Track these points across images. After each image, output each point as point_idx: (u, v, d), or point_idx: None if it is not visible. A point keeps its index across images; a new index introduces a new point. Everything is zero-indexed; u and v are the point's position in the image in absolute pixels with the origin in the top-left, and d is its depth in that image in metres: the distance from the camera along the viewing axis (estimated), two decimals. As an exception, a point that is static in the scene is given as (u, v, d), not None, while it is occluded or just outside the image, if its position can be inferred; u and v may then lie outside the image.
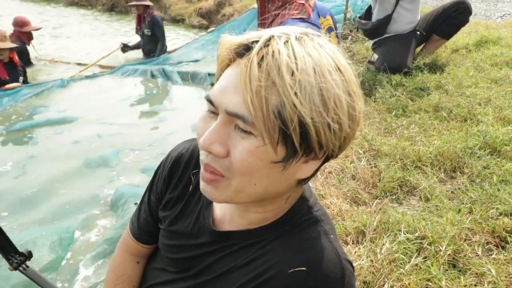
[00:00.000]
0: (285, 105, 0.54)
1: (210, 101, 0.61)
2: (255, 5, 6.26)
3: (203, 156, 0.63)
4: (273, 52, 0.55)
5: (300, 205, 0.71)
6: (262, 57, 0.55)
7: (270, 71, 0.54)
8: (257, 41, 0.57)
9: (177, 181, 0.83)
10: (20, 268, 1.08)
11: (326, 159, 0.63)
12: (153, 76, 5.39)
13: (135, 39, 6.80)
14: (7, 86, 4.46)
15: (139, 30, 6.18)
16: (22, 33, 5.44)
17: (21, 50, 5.27)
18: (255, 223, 0.71)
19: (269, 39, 0.57)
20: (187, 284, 0.78)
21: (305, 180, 0.67)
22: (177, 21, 10.90)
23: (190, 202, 0.81)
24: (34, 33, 5.78)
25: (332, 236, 0.68)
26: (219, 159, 0.60)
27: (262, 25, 2.17)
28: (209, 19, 10.27)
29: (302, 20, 1.90)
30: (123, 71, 5.48)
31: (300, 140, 0.56)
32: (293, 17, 1.91)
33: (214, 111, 0.61)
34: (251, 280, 0.67)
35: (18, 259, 1.08)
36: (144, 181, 2.93)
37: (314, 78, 0.55)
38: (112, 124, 4.05)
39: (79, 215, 2.59)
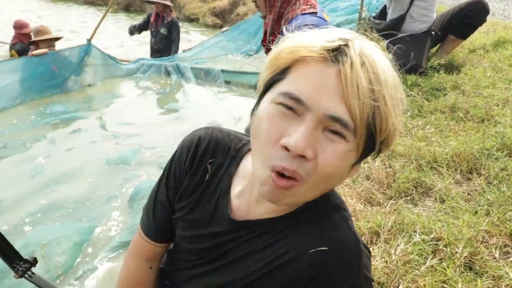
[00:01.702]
0: (380, 113, 0.58)
1: (298, 99, 0.58)
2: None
3: (280, 161, 0.59)
4: (368, 59, 0.58)
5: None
6: (363, 63, 0.57)
7: (371, 78, 0.57)
8: (345, 45, 0.59)
9: (194, 170, 0.82)
10: (26, 275, 1.05)
11: None
12: (167, 73, 5.42)
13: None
14: (34, 52, 4.51)
15: (153, 26, 6.18)
16: (22, 35, 5.56)
17: (22, 50, 5.37)
18: (272, 213, 0.72)
19: (354, 43, 0.60)
20: (202, 270, 0.80)
21: None
22: (191, 20, 10.97)
23: (207, 191, 0.81)
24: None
25: (350, 222, 0.71)
26: (306, 163, 0.59)
27: (266, 24, 2.15)
28: (223, 19, 10.30)
29: (313, 14, 1.90)
30: (139, 65, 5.52)
31: (381, 144, 0.62)
32: (305, 12, 1.90)
33: (297, 109, 0.59)
34: (270, 263, 0.69)
35: (23, 266, 1.04)
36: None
37: (397, 88, 0.60)
38: (129, 123, 4.10)
39: (98, 212, 2.63)
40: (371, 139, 0.60)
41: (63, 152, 3.45)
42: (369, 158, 2.18)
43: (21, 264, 1.03)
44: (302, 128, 0.57)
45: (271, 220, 0.72)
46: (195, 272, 0.81)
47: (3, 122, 4.01)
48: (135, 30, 6.36)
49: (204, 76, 5.28)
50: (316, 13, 1.93)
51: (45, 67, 4.57)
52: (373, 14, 4.23)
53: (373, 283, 0.69)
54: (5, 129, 3.86)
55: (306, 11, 1.91)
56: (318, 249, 0.65)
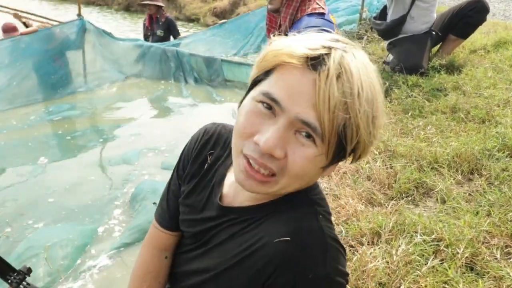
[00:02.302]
0: (351, 124, 0.60)
1: (274, 100, 0.63)
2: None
3: (252, 152, 0.65)
4: (345, 71, 0.60)
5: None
6: (339, 75, 0.59)
7: (345, 91, 0.59)
8: (327, 54, 0.61)
9: (195, 158, 0.89)
10: (21, 286, 1.00)
11: None
12: (166, 60, 5.33)
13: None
14: (24, 31, 4.40)
15: (149, 30, 6.09)
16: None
17: None
18: (255, 201, 0.76)
19: (335, 52, 0.61)
20: (193, 254, 0.84)
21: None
22: (192, 20, 10.97)
23: (204, 179, 0.87)
24: None
25: (321, 215, 0.72)
26: (276, 160, 0.63)
27: (271, 21, 2.15)
28: (224, 19, 10.25)
29: (320, 15, 1.90)
30: (137, 45, 5.44)
31: (351, 152, 0.65)
32: (314, 12, 1.90)
33: (274, 109, 0.63)
34: (244, 250, 0.71)
35: (17, 278, 1.00)
36: (165, 177, 2.94)
37: (371, 102, 0.62)
38: (132, 124, 4.11)
39: (100, 212, 2.63)
40: (341, 147, 0.63)
41: (65, 153, 3.45)
42: (370, 159, 2.19)
43: (14, 276, 0.99)
44: (274, 128, 0.62)
45: (251, 207, 0.76)
46: (188, 256, 0.86)
47: (3, 121, 4.01)
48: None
49: (205, 64, 5.21)
50: (324, 14, 1.93)
51: (40, 47, 4.43)
52: (374, 15, 4.23)
53: (347, 277, 0.68)
54: (3, 129, 3.86)
55: (316, 11, 1.91)
56: (281, 239, 0.66)
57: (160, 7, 6.04)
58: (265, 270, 0.66)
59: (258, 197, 0.75)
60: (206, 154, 0.88)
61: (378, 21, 3.78)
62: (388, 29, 3.63)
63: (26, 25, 4.83)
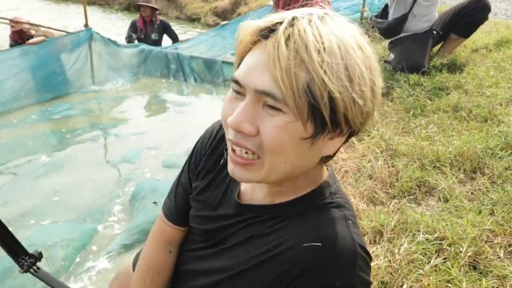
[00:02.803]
0: (315, 81, 0.56)
1: (236, 81, 0.62)
2: (270, 3, 6.20)
3: (231, 135, 0.64)
4: (299, 31, 0.57)
5: (322, 190, 0.73)
6: (289, 37, 0.57)
7: (298, 49, 0.56)
8: (281, 23, 0.59)
9: (210, 153, 0.86)
10: (31, 270, 1.05)
11: (349, 136, 0.66)
12: (167, 67, 5.34)
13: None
14: (30, 41, 4.41)
15: (143, 33, 5.90)
16: (15, 32, 5.28)
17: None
18: (275, 199, 0.73)
19: (292, 20, 0.59)
20: (206, 252, 0.81)
21: (328, 158, 0.69)
22: (192, 20, 10.95)
23: (220, 174, 0.84)
24: None
25: (350, 221, 0.69)
26: (250, 137, 0.62)
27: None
28: (225, 18, 10.26)
29: None
30: (140, 50, 5.44)
31: (330, 114, 0.58)
32: None
33: (240, 91, 0.63)
34: (267, 251, 0.69)
35: (29, 261, 1.05)
36: (166, 176, 2.95)
37: (339, 55, 0.57)
38: (133, 123, 4.10)
39: (101, 211, 2.62)
40: (316, 110, 0.58)
41: (67, 152, 3.45)
42: (372, 157, 2.18)
43: (26, 259, 1.04)
44: (240, 105, 0.61)
45: (273, 206, 0.73)
46: (198, 254, 0.84)
47: (4, 121, 4.01)
48: (132, 39, 6.10)
49: (206, 67, 5.21)
50: None
51: (47, 58, 4.47)
52: (375, 13, 4.21)
53: (370, 286, 0.66)
54: (4, 128, 3.86)
55: None
56: (311, 244, 0.64)
57: (155, 10, 5.94)
58: (291, 273, 0.65)
59: (276, 194, 0.73)
60: (222, 149, 0.85)
61: (379, 20, 3.76)
62: (390, 27, 3.61)
63: (28, 33, 4.81)
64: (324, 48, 0.56)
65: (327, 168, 0.77)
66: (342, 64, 0.57)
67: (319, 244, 0.64)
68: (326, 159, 0.68)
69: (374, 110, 0.63)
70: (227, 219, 0.78)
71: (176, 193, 0.93)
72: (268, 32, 0.60)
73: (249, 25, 0.62)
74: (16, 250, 1.03)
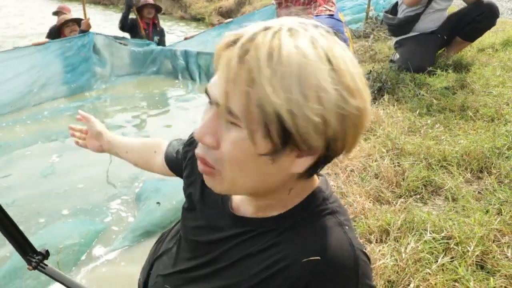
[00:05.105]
0: (263, 97, 0.52)
1: (206, 92, 0.62)
2: (273, 1, 6.20)
3: (197, 149, 0.64)
4: (256, 45, 0.53)
5: (314, 197, 0.70)
6: (245, 51, 0.54)
7: (250, 63, 0.53)
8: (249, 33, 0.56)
9: (194, 162, 0.84)
10: (39, 267, 1.08)
11: (326, 157, 0.60)
12: (174, 62, 5.36)
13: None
14: (34, 42, 4.50)
15: (144, 34, 5.89)
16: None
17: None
18: (266, 212, 0.71)
19: (257, 32, 0.55)
20: (201, 273, 0.77)
21: (307, 174, 0.64)
22: (197, 19, 10.97)
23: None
24: None
25: (347, 227, 0.67)
26: (212, 151, 0.61)
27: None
28: (229, 18, 10.30)
29: (330, 16, 1.88)
30: (148, 51, 5.47)
31: (281, 133, 0.54)
32: (321, 14, 1.89)
33: (211, 101, 0.61)
34: (266, 269, 0.66)
35: (37, 258, 1.07)
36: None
37: (295, 68, 0.52)
38: (140, 122, 4.12)
39: (107, 210, 2.63)
40: (278, 126, 0.54)
41: (72, 151, 3.45)
42: (378, 156, 2.17)
43: (34, 256, 1.06)
44: (205, 117, 0.61)
45: (267, 219, 0.70)
46: (191, 275, 0.80)
47: (13, 119, 4.03)
48: (125, 26, 5.85)
49: (212, 64, 5.21)
50: (333, 14, 1.91)
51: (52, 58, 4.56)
52: (385, 9, 4.18)
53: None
54: (13, 126, 3.88)
55: (322, 13, 1.90)
56: (310, 259, 0.62)
57: (158, 10, 5.92)
58: None
59: (266, 209, 0.70)
60: None
61: (390, 15, 3.74)
62: (401, 24, 3.57)
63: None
64: (278, 61, 0.52)
65: (319, 177, 0.74)
66: (296, 77, 0.52)
67: (319, 257, 0.62)
68: (305, 175, 0.63)
69: (349, 134, 0.57)
70: (223, 231, 0.75)
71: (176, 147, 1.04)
72: (234, 43, 0.57)
73: (225, 36, 0.60)
74: (25, 248, 1.06)
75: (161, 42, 5.96)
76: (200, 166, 0.64)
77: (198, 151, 0.64)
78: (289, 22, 0.57)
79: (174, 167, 1.01)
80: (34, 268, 1.06)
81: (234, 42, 0.56)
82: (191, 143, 0.90)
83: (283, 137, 0.54)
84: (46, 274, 1.06)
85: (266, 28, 0.56)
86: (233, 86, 0.54)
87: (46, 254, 1.08)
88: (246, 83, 0.53)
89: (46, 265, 1.07)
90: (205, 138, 0.60)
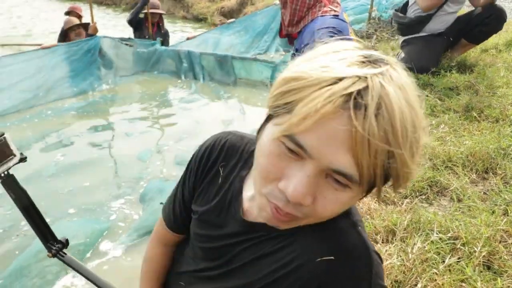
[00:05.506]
0: (395, 162, 0.51)
1: (300, 145, 0.53)
2: (276, 2, 6.19)
3: (276, 199, 0.58)
4: (386, 105, 0.49)
5: None
6: (378, 113, 0.49)
7: (386, 129, 0.49)
8: (364, 88, 0.50)
9: (207, 173, 0.83)
10: (58, 255, 1.12)
11: None
12: (178, 62, 5.38)
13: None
14: (43, 45, 4.55)
15: (147, 34, 5.96)
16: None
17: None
18: None
19: (376, 86, 0.50)
20: (215, 273, 0.78)
21: None
22: (199, 20, 10.98)
23: (220, 192, 0.80)
24: None
25: (360, 227, 0.67)
26: (303, 206, 0.56)
27: (290, 23, 2.13)
28: (231, 18, 10.31)
29: (334, 16, 1.88)
30: (151, 51, 5.49)
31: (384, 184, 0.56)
32: (326, 14, 1.88)
33: (299, 153, 0.54)
34: (278, 269, 0.67)
35: (57, 246, 1.12)
36: (179, 172, 2.95)
37: (412, 132, 0.51)
38: (141, 121, 4.13)
39: (111, 209, 2.64)
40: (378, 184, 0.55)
41: (78, 151, 3.46)
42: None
43: (54, 244, 1.11)
44: (301, 175, 0.54)
45: None
46: (205, 275, 0.80)
47: (18, 119, 4.05)
48: (133, 21, 5.88)
49: (217, 62, 5.20)
50: (337, 15, 1.91)
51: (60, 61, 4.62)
52: (384, 11, 4.18)
53: None
54: (21, 125, 3.89)
55: (327, 13, 1.89)
56: (324, 258, 0.62)
57: (162, 14, 6.00)
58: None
59: None
60: (218, 167, 0.81)
61: (400, 14, 3.73)
62: (412, 23, 3.57)
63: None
64: (406, 128, 0.50)
65: None
66: (416, 139, 0.52)
67: (332, 257, 0.62)
68: None
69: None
70: (233, 237, 0.75)
71: (174, 205, 0.92)
72: (351, 100, 0.50)
73: (316, 80, 0.51)
74: (46, 235, 1.11)
75: (165, 43, 5.98)
76: (280, 217, 0.59)
77: (283, 206, 0.58)
78: (377, 59, 0.54)
79: (181, 221, 0.93)
80: (54, 255, 1.11)
81: (347, 98, 0.50)
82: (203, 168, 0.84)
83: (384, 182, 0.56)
84: (64, 262, 1.11)
85: (368, 75, 0.51)
86: (368, 157, 0.50)
87: (66, 243, 1.13)
88: (382, 152, 0.50)
89: (65, 254, 1.12)
90: (306, 200, 0.55)
